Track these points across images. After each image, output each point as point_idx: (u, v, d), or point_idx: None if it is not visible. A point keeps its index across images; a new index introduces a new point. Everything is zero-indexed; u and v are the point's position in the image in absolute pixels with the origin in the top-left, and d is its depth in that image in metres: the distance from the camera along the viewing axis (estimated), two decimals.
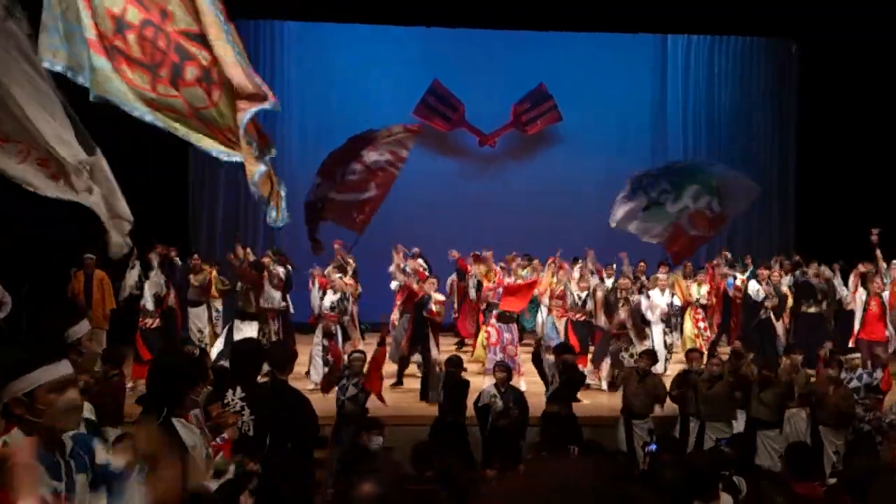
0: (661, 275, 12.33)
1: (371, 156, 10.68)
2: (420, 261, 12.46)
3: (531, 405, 8.38)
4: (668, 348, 11.76)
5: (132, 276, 10.95)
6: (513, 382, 8.65)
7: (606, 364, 10.72)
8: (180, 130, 4.66)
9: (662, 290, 11.98)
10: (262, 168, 4.72)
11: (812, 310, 11.65)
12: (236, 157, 4.75)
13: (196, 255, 12.71)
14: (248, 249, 12.13)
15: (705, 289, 12.76)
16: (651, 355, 9.08)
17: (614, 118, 15.87)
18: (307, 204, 10.60)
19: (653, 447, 6.90)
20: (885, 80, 13.44)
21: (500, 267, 12.18)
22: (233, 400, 5.06)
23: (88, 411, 3.02)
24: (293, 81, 15.95)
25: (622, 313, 10.63)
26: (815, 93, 15.18)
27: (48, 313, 10.13)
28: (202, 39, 4.64)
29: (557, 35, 15.16)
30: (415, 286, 10.95)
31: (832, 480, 5.53)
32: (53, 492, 2.58)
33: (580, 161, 15.75)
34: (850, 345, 10.39)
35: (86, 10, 4.53)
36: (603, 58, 15.95)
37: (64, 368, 2.67)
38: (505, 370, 8.37)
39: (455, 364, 8.49)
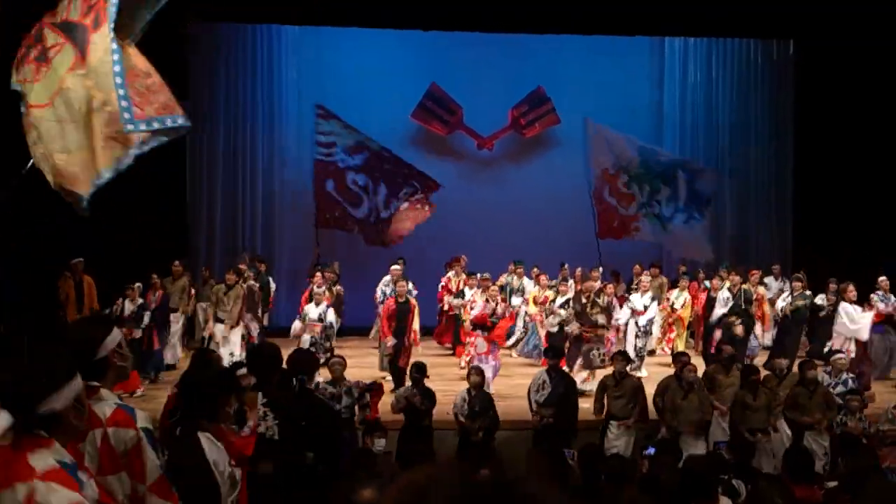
0: (646, 278, 12.51)
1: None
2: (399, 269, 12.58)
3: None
4: (637, 352, 11.79)
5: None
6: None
7: (578, 366, 10.86)
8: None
9: (643, 293, 12.09)
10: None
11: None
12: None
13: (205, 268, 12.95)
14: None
15: (685, 297, 12.82)
16: (624, 356, 9.17)
17: (612, 121, 15.83)
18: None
19: (650, 451, 6.91)
20: (884, 83, 13.44)
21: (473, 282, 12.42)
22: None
23: (144, 419, 3.12)
24: (291, 85, 15.94)
25: (599, 318, 10.76)
26: (813, 96, 15.18)
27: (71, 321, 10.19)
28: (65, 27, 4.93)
29: (555, 38, 15.16)
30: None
31: (832, 483, 5.54)
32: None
33: (578, 164, 15.72)
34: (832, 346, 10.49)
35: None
36: (601, 60, 15.95)
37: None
38: (479, 374, 8.44)
39: (419, 370, 8.38)
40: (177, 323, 12.09)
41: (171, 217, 14.08)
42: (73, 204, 4.93)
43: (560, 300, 11.71)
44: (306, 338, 10.81)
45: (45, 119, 4.85)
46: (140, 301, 10.95)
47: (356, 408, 7.63)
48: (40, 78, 4.89)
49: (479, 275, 12.33)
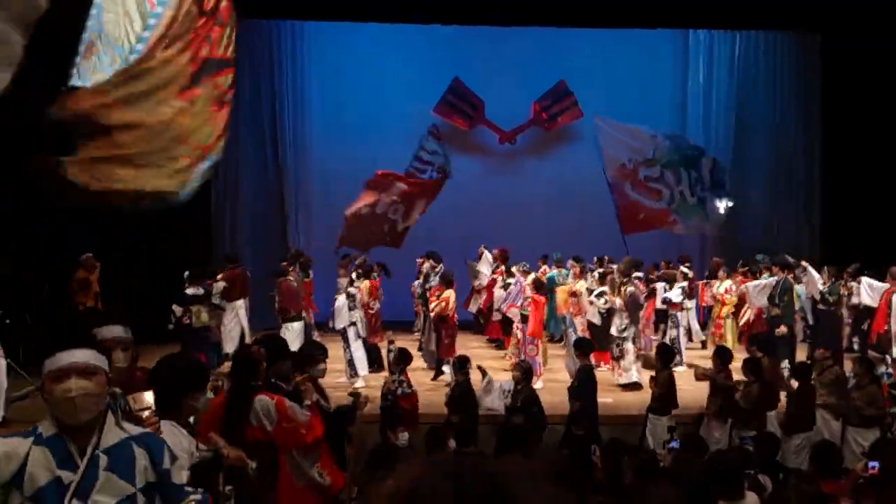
0: (685, 269, 12.41)
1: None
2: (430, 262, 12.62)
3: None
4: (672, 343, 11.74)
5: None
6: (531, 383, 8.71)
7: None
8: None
9: (672, 285, 12.02)
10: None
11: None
12: None
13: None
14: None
15: (726, 284, 12.60)
16: (665, 351, 9.04)
17: (636, 114, 15.71)
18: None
19: (674, 444, 6.85)
20: None
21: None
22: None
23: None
24: (313, 82, 16.00)
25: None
26: (839, 87, 14.99)
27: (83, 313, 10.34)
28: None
29: (578, 31, 15.09)
30: None
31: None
32: (56, 480, 2.59)
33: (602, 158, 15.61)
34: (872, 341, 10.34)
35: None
36: (624, 53, 15.85)
37: (67, 358, 2.67)
38: (522, 369, 8.38)
39: (462, 364, 8.48)
40: (232, 311, 12.10)
41: (196, 215, 14.19)
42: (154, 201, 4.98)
43: (597, 291, 11.63)
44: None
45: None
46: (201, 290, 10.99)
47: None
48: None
49: (515, 267, 12.42)
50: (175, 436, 3.47)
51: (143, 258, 12.56)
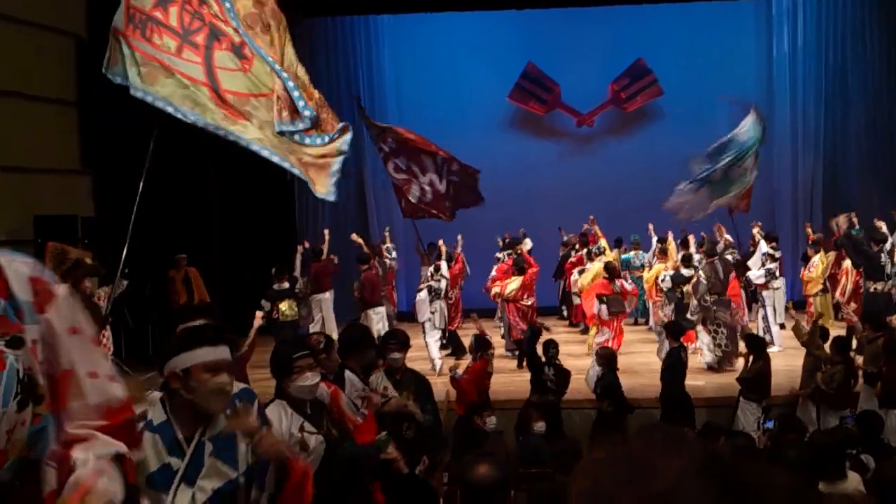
0: (770, 249, 12.02)
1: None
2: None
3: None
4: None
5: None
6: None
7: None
8: (203, 117, 5.07)
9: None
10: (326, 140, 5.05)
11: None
12: (262, 149, 5.11)
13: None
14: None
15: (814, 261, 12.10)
16: (754, 339, 8.79)
17: (718, 89, 15.24)
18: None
19: (769, 424, 6.68)
20: None
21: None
22: (378, 382, 5.32)
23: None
24: (389, 74, 16.15)
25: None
26: None
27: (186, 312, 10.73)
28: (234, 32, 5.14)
29: (653, 7, 14.73)
30: None
31: None
32: (166, 466, 2.70)
33: (684, 135, 15.23)
34: None
35: None
36: (704, 27, 15.39)
37: (222, 353, 2.78)
38: (603, 354, 8.46)
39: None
40: (317, 304, 12.35)
41: (279, 207, 14.56)
42: (317, 187, 5.28)
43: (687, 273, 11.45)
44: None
45: (264, 110, 5.19)
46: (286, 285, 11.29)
47: None
48: (248, 69, 5.23)
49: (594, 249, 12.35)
50: (279, 416, 3.68)
51: (234, 255, 12.98)
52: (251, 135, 5.17)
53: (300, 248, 12.66)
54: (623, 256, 13.24)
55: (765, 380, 8.23)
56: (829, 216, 13.50)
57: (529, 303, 11.34)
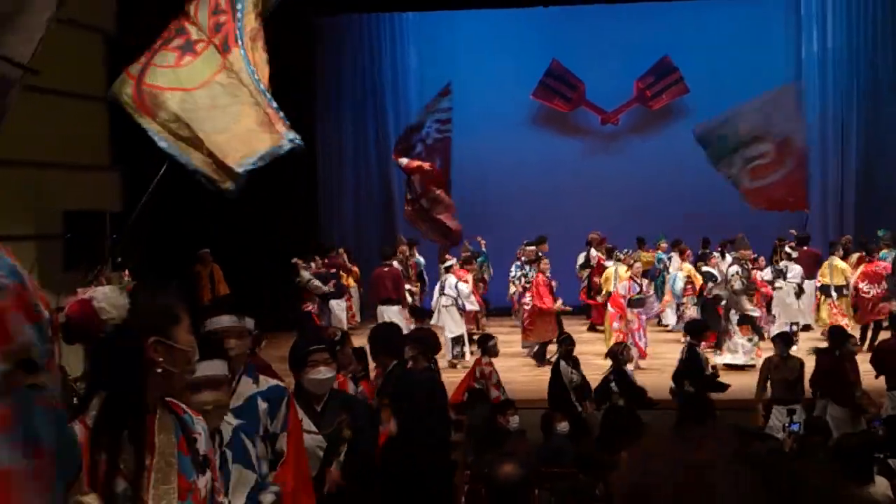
0: (789, 248, 11.93)
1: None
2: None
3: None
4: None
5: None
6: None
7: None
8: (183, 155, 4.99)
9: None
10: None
11: None
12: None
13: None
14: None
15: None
16: (783, 338, 8.69)
17: (745, 89, 15.06)
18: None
19: (794, 427, 6.61)
20: None
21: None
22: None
23: None
24: (413, 70, 16.17)
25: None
26: None
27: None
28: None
29: (681, 4, 14.61)
30: None
31: None
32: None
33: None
34: None
35: None
36: (730, 23, 15.25)
37: (207, 368, 2.79)
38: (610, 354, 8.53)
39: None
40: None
41: (303, 203, 14.64)
42: (219, 184, 5.12)
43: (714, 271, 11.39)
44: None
45: (188, 102, 5.11)
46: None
47: None
48: (184, 65, 5.17)
49: (620, 253, 12.28)
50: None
51: (256, 249, 13.07)
52: (152, 126, 5.19)
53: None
54: (658, 255, 13.21)
55: (795, 385, 8.14)
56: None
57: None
